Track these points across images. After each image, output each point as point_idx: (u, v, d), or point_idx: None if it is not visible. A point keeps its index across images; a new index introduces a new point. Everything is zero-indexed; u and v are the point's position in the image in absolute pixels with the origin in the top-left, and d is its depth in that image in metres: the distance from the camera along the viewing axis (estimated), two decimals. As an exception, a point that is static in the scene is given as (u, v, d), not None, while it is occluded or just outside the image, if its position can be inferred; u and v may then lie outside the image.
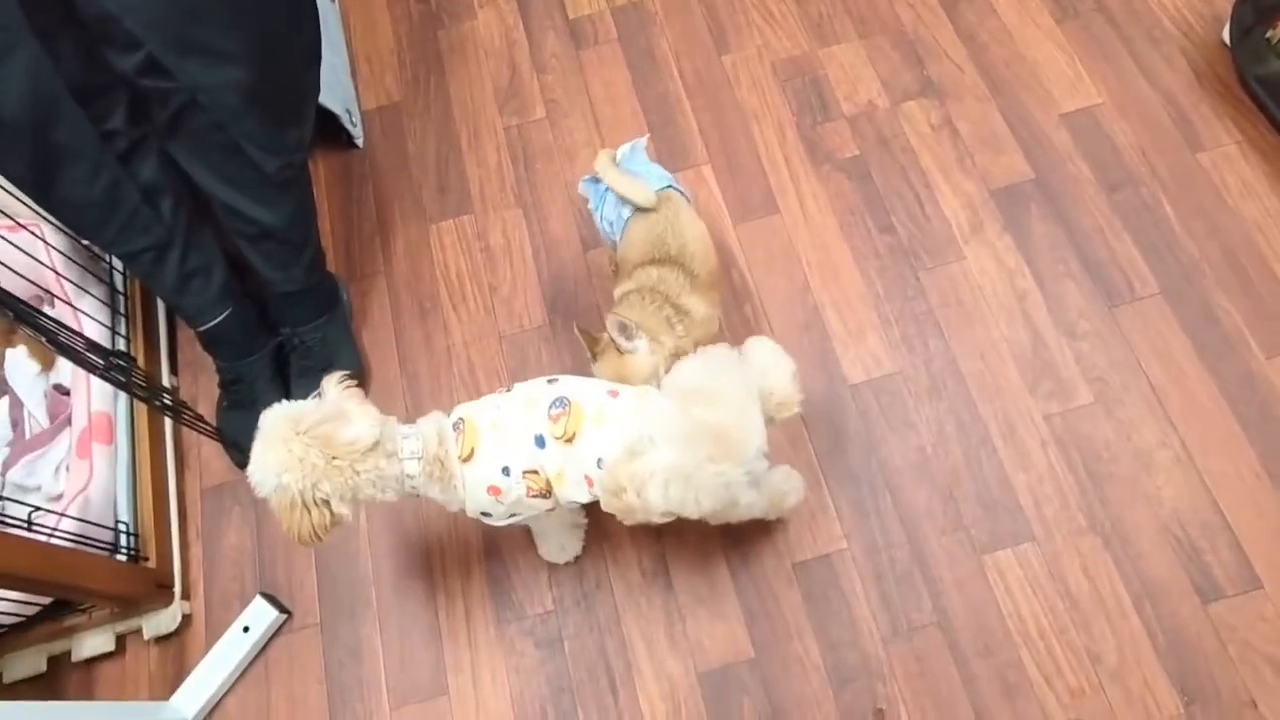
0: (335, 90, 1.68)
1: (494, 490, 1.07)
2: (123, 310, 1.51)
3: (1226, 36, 1.65)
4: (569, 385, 1.09)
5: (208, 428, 1.43)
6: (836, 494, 1.39)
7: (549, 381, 1.10)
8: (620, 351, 1.18)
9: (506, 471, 1.06)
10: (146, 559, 1.36)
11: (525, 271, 1.61)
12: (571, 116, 1.76)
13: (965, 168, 1.63)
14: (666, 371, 1.10)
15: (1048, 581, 1.31)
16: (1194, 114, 1.63)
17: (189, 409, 1.40)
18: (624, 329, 1.15)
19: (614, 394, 1.08)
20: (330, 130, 1.69)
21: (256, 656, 1.37)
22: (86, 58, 1.14)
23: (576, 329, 1.20)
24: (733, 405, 1.00)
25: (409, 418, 1.49)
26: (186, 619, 1.40)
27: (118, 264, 1.54)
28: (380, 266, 1.66)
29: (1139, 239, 1.53)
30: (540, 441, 1.05)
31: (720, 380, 1.01)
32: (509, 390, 1.12)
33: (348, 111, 1.71)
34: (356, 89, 1.83)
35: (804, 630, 1.31)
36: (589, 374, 1.19)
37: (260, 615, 1.36)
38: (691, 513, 1.01)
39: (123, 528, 1.35)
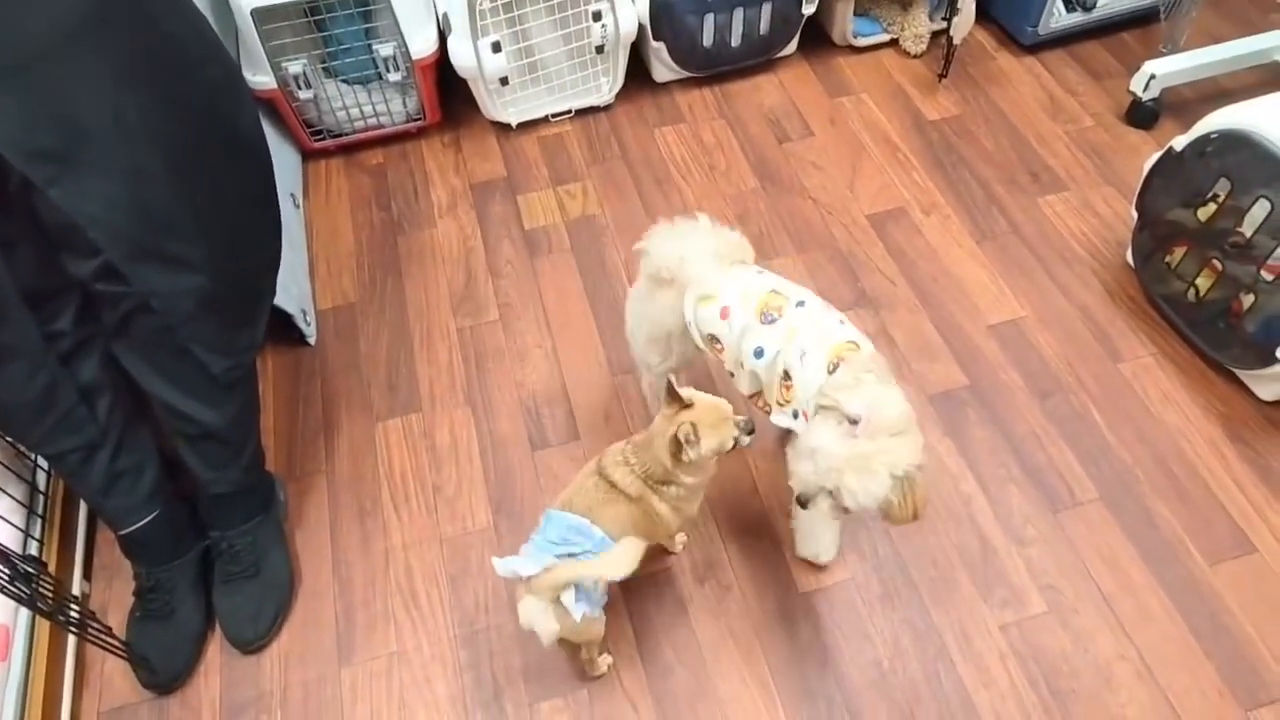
0: (292, 291, 1.71)
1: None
2: (40, 512, 1.44)
3: (1130, 259, 1.80)
4: (749, 324, 1.24)
5: (116, 644, 1.31)
6: (792, 713, 1.31)
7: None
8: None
9: (842, 321, 1.21)
10: (22, 800, 1.20)
11: (471, 471, 1.59)
12: (524, 319, 1.81)
13: (903, 374, 1.69)
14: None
15: (1019, 813, 1.22)
16: (1110, 328, 1.75)
17: (97, 622, 1.29)
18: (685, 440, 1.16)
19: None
20: (282, 328, 1.71)
21: None
22: (42, 263, 1.15)
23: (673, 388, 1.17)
24: None
25: (339, 629, 1.41)
26: None
27: (42, 461, 1.48)
28: (322, 465, 1.62)
29: (1074, 445, 1.58)
30: (800, 304, 1.23)
31: None
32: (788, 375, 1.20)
33: (302, 311, 1.73)
34: (313, 289, 1.88)
35: None
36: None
37: None
38: None
39: (0, 762, 1.20)
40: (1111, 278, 1.83)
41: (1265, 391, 1.61)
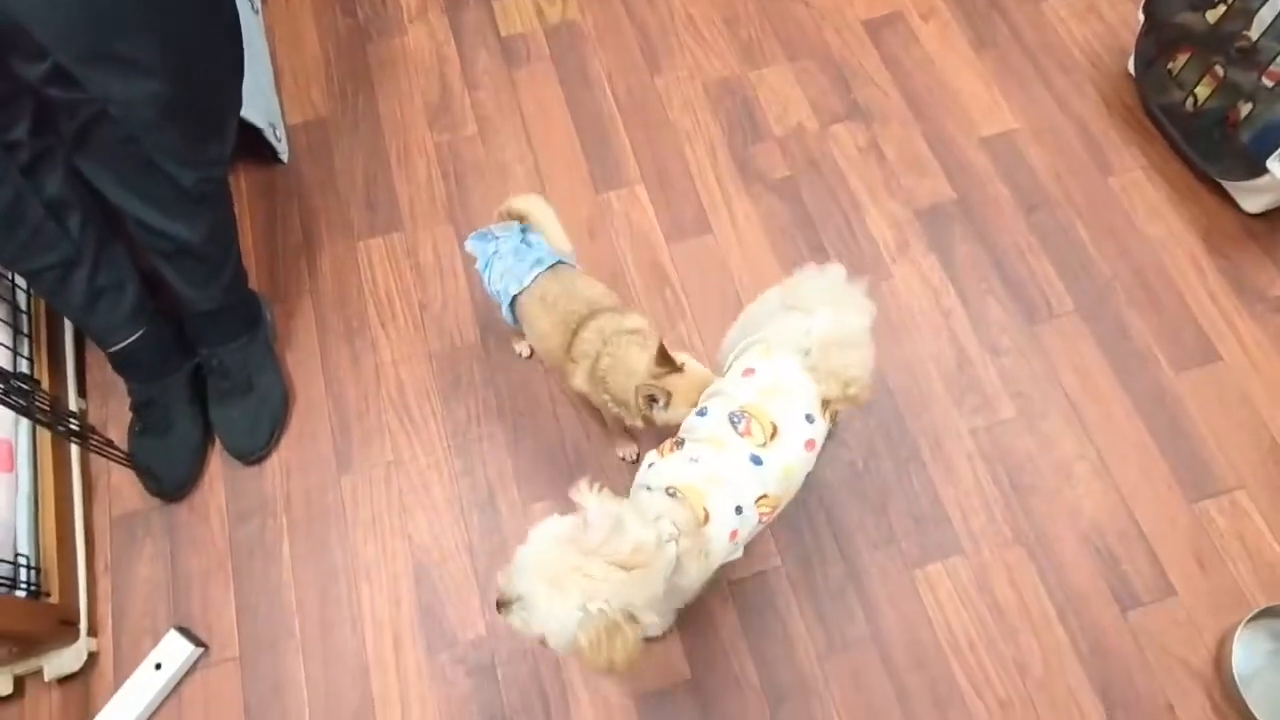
0: (258, 103, 1.63)
1: (733, 534, 1.04)
2: (26, 330, 1.43)
3: (1131, 67, 1.74)
4: (734, 397, 1.07)
5: (118, 454, 1.36)
6: (771, 511, 1.40)
7: (701, 413, 1.09)
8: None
9: (739, 510, 1.03)
10: (49, 594, 1.28)
11: (456, 288, 1.59)
12: (504, 133, 1.74)
13: (891, 189, 1.67)
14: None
15: (976, 594, 1.33)
16: (1103, 140, 1.71)
17: (97, 434, 1.33)
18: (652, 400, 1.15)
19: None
20: (253, 144, 1.64)
21: (170, 695, 1.30)
22: (-13, 67, 1.08)
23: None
24: None
25: (337, 442, 1.46)
26: (93, 657, 1.32)
27: (21, 280, 1.46)
28: (306, 285, 1.61)
29: (1055, 259, 1.59)
30: (756, 460, 1.03)
31: None
32: (683, 444, 1.07)
33: (271, 125, 1.66)
34: (281, 103, 1.79)
35: (740, 649, 1.31)
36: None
37: (174, 651, 1.29)
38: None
39: (23, 561, 1.26)
40: (1110, 87, 1.77)
41: (1250, 204, 1.61)
